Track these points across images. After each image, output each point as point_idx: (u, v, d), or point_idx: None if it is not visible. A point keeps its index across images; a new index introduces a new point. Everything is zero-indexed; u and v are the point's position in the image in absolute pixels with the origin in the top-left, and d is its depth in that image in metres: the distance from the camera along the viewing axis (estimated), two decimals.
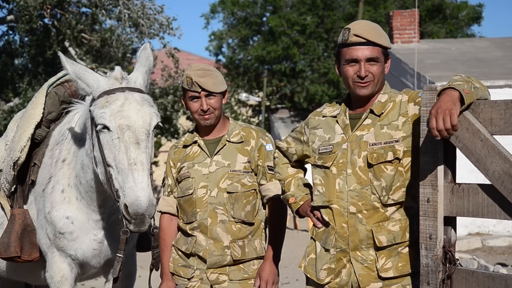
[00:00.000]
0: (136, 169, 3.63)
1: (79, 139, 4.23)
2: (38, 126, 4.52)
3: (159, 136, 23.35)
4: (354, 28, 3.41)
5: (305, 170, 3.79)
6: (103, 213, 4.22)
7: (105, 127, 3.74)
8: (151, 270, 4.09)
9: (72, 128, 4.28)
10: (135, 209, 3.58)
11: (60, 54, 4.01)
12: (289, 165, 3.74)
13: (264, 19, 31.67)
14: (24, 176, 4.50)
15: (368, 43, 3.38)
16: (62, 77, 4.67)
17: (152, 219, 3.76)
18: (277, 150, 3.79)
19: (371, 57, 3.38)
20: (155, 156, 34.30)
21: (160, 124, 3.89)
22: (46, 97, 4.60)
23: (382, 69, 3.43)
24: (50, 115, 4.62)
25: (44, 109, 4.57)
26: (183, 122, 23.11)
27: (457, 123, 2.96)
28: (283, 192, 3.73)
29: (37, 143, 4.53)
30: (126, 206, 3.61)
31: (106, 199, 4.13)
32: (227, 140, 4.03)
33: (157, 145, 33.25)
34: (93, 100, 3.89)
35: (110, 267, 4.32)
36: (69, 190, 4.26)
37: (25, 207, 4.46)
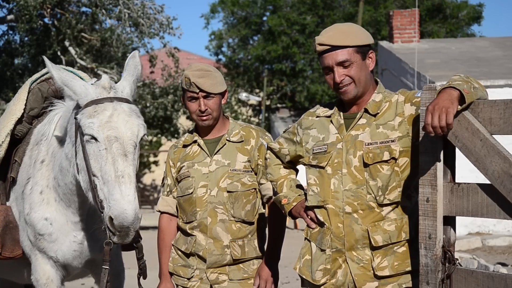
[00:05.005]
0: (124, 181, 3.56)
1: (58, 141, 4.17)
2: (19, 122, 4.46)
3: (159, 135, 23.36)
4: (318, 38, 3.41)
5: (297, 171, 3.78)
6: (81, 214, 4.17)
7: (93, 137, 3.67)
8: (138, 279, 4.05)
9: (52, 130, 4.23)
10: (121, 221, 3.51)
11: (46, 59, 3.92)
12: (281, 166, 3.72)
13: (264, 18, 31.68)
14: (5, 172, 4.45)
15: (334, 48, 3.36)
16: (46, 73, 4.61)
17: (136, 232, 3.70)
18: (269, 151, 3.76)
19: (341, 61, 3.36)
20: (155, 155, 34.30)
21: (146, 136, 3.84)
22: (28, 93, 4.54)
23: (360, 68, 3.39)
24: (33, 111, 4.55)
25: (25, 105, 4.50)
26: (183, 122, 23.12)
27: (452, 122, 2.96)
28: (275, 193, 3.70)
29: (18, 139, 4.48)
30: (111, 219, 3.54)
31: (84, 202, 4.07)
32: (227, 140, 4.03)
33: (157, 144, 33.29)
34: (79, 107, 3.81)
35: (94, 265, 4.31)
36: (48, 191, 4.21)
37: (7, 204, 4.41)
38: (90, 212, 4.14)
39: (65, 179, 4.07)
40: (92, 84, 3.85)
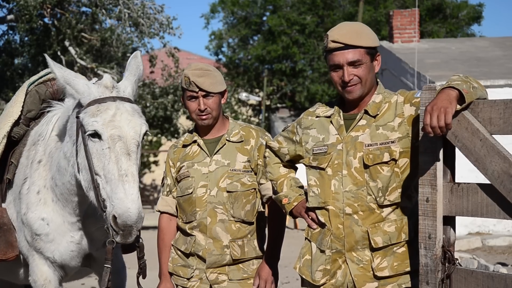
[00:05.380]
0: (127, 180, 3.58)
1: (56, 141, 4.17)
2: (16, 124, 4.46)
3: (159, 135, 23.36)
4: (331, 34, 3.39)
5: (296, 169, 3.77)
6: (79, 215, 4.17)
7: (96, 136, 3.68)
8: (137, 278, 4.04)
9: (50, 130, 4.23)
10: (125, 220, 3.52)
11: (48, 58, 3.92)
12: (281, 165, 3.71)
13: (264, 18, 31.68)
14: (2, 174, 4.45)
15: (347, 46, 3.34)
16: (44, 75, 4.62)
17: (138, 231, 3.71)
18: (268, 150, 3.75)
19: (352, 60, 3.35)
20: (155, 155, 34.30)
21: (149, 133, 3.85)
22: (26, 95, 4.54)
23: (369, 69, 3.39)
24: (30, 114, 4.55)
25: (23, 107, 4.50)
26: (183, 122, 23.11)
27: (451, 122, 2.96)
28: (275, 192, 3.70)
29: (15, 141, 4.48)
30: (114, 217, 3.55)
31: (82, 202, 4.08)
32: (226, 140, 4.03)
33: (157, 144, 33.28)
34: (80, 106, 3.82)
35: (94, 263, 4.32)
36: (45, 191, 4.21)
37: (4, 205, 4.41)
38: (87, 213, 4.14)
39: (63, 179, 4.07)
40: (94, 83, 3.86)
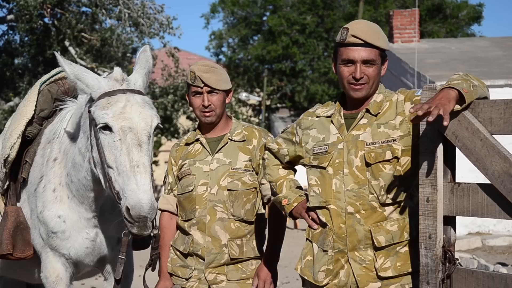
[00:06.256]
0: (139, 171, 3.60)
1: (71, 138, 4.20)
2: (29, 123, 4.49)
3: (159, 135, 23.37)
4: (353, 28, 3.37)
5: (295, 171, 3.77)
6: (94, 211, 4.20)
7: (107, 128, 3.71)
8: (146, 269, 4.05)
9: (64, 127, 4.26)
10: (137, 211, 3.55)
11: (57, 54, 3.96)
12: (280, 167, 3.71)
13: (264, 18, 31.69)
14: (16, 173, 4.48)
15: (366, 44, 3.34)
16: (55, 74, 4.65)
17: (154, 221, 3.73)
18: (267, 152, 3.75)
19: (368, 59, 3.35)
20: (155, 155, 34.33)
21: (160, 125, 3.87)
22: (38, 94, 4.57)
23: (378, 71, 3.40)
24: (43, 113, 4.59)
25: (36, 106, 4.54)
26: (183, 122, 23.12)
27: (448, 115, 2.91)
28: (274, 194, 3.70)
29: (29, 141, 4.51)
30: (128, 209, 3.58)
31: (97, 198, 4.12)
32: (229, 139, 4.03)
33: (157, 144, 33.26)
34: (92, 100, 3.85)
35: (104, 264, 4.34)
36: (61, 189, 4.24)
37: (18, 204, 4.45)
38: (103, 209, 4.17)
39: (78, 175, 4.10)
40: (104, 77, 3.89)
